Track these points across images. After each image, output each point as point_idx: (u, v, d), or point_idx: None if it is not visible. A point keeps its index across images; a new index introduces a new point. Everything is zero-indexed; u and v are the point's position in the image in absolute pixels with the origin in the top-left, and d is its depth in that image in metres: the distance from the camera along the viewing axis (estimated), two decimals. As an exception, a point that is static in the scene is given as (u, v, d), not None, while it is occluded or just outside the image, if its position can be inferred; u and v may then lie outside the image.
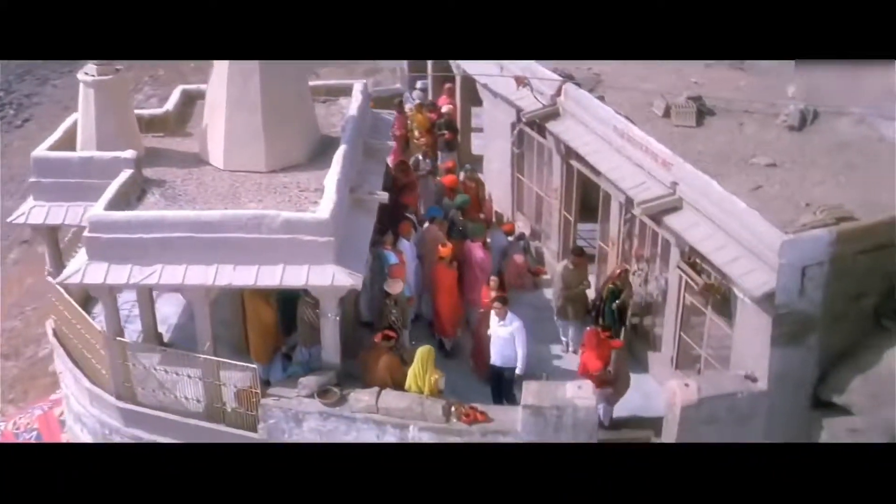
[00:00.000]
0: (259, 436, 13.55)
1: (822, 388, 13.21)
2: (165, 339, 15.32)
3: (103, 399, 14.45)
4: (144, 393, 14.20)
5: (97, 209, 13.42)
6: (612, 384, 13.79)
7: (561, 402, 12.62)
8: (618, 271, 15.34)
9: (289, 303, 14.72)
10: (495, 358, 14.47)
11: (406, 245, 16.08)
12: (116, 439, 14.53)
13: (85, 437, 15.29)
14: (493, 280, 15.35)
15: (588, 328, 14.56)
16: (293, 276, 13.12)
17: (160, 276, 13.19)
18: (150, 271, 13.19)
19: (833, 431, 13.05)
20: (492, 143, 19.82)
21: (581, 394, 12.73)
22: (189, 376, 13.79)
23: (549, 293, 17.00)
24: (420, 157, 19.57)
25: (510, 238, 17.92)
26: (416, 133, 20.37)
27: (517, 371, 14.36)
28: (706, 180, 13.52)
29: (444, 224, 16.83)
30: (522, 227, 18.85)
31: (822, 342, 12.98)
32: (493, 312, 14.39)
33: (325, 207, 13.28)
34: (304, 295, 14.12)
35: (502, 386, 14.62)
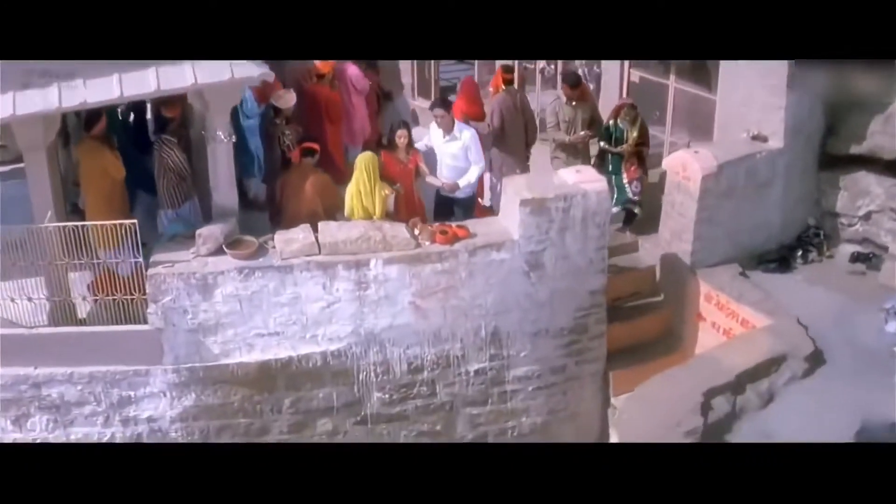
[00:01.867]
0: (152, 324, 9.62)
1: (835, 141, 11.13)
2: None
3: None
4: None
5: None
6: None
7: (568, 191, 9.57)
8: (619, 104, 11.55)
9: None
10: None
11: None
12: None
13: None
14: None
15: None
16: (173, 76, 9.16)
17: (-19, 111, 8.93)
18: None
19: (854, 189, 11.00)
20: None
21: (586, 177, 9.76)
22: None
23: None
24: None
25: None
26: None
27: (462, 186, 10.77)
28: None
29: None
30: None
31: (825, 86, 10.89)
32: (434, 126, 10.79)
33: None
34: (160, 134, 10.42)
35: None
